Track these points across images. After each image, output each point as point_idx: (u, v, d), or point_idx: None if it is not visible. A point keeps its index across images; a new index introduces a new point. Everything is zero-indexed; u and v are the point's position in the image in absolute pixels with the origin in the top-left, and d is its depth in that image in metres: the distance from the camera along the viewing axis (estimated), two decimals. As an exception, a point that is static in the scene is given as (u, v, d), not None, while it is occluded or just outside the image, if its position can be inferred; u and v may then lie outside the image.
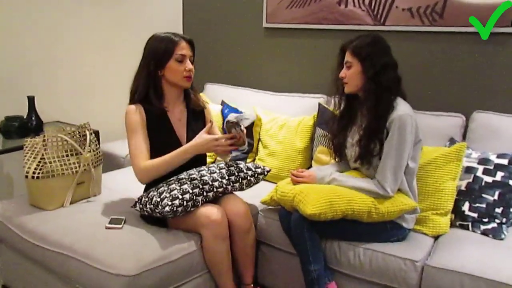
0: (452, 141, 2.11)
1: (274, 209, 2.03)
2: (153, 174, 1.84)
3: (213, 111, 2.57)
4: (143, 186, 1.94)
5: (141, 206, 1.82)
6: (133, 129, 1.87)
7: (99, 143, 2.52)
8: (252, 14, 2.96)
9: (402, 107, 1.79)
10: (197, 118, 2.04)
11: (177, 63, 1.85)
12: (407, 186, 1.86)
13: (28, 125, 2.36)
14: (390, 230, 1.82)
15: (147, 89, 1.87)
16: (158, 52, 1.85)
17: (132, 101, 1.91)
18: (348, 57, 1.85)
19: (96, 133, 2.46)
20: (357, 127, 1.93)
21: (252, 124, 2.55)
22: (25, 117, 2.38)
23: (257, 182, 2.01)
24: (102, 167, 2.14)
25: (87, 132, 1.99)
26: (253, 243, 1.92)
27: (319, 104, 2.44)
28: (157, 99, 1.89)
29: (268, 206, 2.06)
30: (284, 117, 2.56)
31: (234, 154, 2.28)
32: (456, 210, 1.95)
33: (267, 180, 2.46)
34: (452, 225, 1.94)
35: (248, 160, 2.55)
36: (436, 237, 1.90)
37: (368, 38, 1.84)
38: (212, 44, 3.19)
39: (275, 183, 2.40)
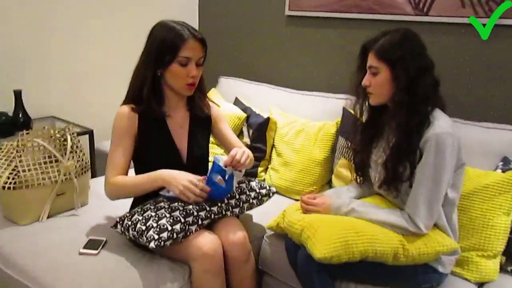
0: (506, 162, 1.71)
1: (282, 235, 1.71)
2: (120, 193, 1.60)
3: (224, 110, 2.26)
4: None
5: (122, 229, 1.54)
6: (116, 136, 1.60)
7: (93, 145, 2.28)
8: (273, 0, 2.60)
9: (441, 122, 1.43)
10: (202, 124, 1.74)
11: (180, 66, 1.54)
12: (445, 220, 1.50)
13: (14, 122, 2.12)
14: (422, 274, 1.47)
15: (145, 89, 1.57)
16: (162, 46, 1.53)
17: (126, 100, 1.63)
18: (372, 60, 1.48)
19: (90, 133, 2.22)
20: (384, 143, 1.57)
21: (266, 126, 2.22)
22: (11, 113, 2.14)
23: (260, 205, 1.71)
24: (90, 173, 1.89)
25: (68, 137, 1.72)
26: (251, 274, 1.62)
27: (344, 109, 2.07)
28: (155, 102, 1.60)
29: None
30: (303, 121, 2.21)
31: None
32: (508, 252, 1.57)
33: (278, 193, 2.14)
34: (502, 270, 1.58)
35: (260, 169, 2.23)
36: (480, 285, 1.55)
37: (397, 35, 1.46)
38: (228, 32, 2.86)
39: (288, 198, 2.10)
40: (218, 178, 1.50)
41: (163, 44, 1.53)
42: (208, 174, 1.51)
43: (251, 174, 2.18)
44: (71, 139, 1.72)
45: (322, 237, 1.40)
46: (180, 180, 1.48)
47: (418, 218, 1.43)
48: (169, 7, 2.83)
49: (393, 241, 1.42)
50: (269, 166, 2.25)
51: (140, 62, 1.60)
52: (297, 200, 2.10)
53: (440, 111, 1.49)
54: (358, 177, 1.70)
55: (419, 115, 1.43)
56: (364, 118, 1.65)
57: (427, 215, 1.43)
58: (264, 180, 2.24)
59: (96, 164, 2.32)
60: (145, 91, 1.57)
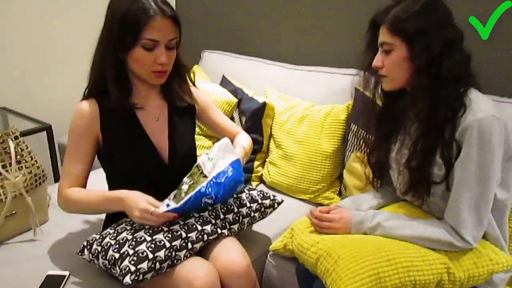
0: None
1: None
2: (73, 209, 1.34)
3: (210, 94, 1.89)
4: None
5: (91, 256, 1.24)
6: (73, 139, 1.31)
7: (53, 143, 1.89)
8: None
9: (481, 105, 1.13)
10: (184, 115, 1.42)
11: (144, 51, 1.21)
12: (497, 228, 1.22)
13: None
14: (467, 301, 1.19)
15: (107, 78, 1.25)
16: (122, 23, 1.19)
17: (87, 94, 1.32)
18: (385, 36, 1.18)
19: (48, 128, 1.83)
20: (406, 137, 1.27)
21: (262, 113, 1.86)
22: None
23: (263, 218, 1.41)
24: (46, 183, 1.53)
25: (11, 144, 1.34)
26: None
27: (356, 90, 1.71)
28: (120, 92, 1.27)
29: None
30: (306, 104, 1.85)
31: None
32: None
33: (281, 192, 1.81)
34: None
35: (256, 163, 1.88)
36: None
37: (415, 2, 1.16)
38: (212, -4, 2.41)
39: (291, 197, 1.78)
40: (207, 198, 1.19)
41: (124, 20, 1.19)
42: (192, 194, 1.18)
43: (245, 169, 1.84)
44: (15, 147, 1.34)
45: (346, 271, 1.09)
46: (136, 204, 1.18)
47: (464, 230, 1.14)
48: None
49: (436, 266, 1.14)
50: (267, 160, 1.91)
51: (99, 44, 1.26)
52: (302, 200, 1.78)
53: (476, 91, 1.19)
54: (375, 181, 1.40)
55: (447, 101, 1.13)
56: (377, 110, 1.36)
57: (475, 224, 1.15)
58: (261, 175, 1.91)
59: (63, 162, 1.95)
60: (108, 82, 1.25)
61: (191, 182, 1.23)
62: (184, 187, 1.23)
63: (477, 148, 1.10)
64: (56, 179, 1.91)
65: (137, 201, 1.18)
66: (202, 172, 1.23)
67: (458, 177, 1.15)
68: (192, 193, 1.18)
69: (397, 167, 1.32)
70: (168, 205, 1.18)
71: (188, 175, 1.26)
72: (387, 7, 1.20)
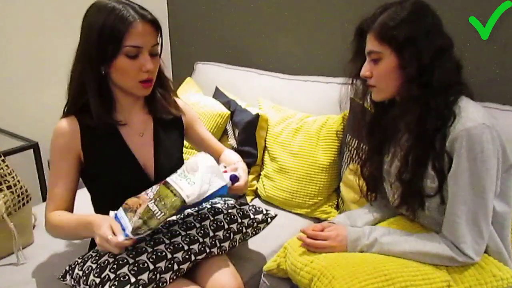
0: None
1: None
2: (59, 234, 1.26)
3: (203, 106, 1.84)
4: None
5: (73, 281, 1.17)
6: (55, 160, 1.25)
7: (40, 161, 1.83)
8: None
9: (471, 114, 1.08)
10: (170, 128, 1.36)
11: (128, 59, 1.16)
12: (499, 241, 1.15)
13: None
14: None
15: (89, 94, 1.20)
16: (101, 35, 1.14)
17: (67, 111, 1.26)
18: (372, 44, 1.14)
19: (35, 146, 1.77)
20: (397, 148, 1.23)
21: (255, 125, 1.80)
22: None
23: (256, 234, 1.35)
24: (30, 204, 1.47)
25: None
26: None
27: (352, 100, 1.65)
28: (102, 109, 1.21)
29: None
30: (300, 115, 1.79)
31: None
32: None
33: (277, 206, 1.75)
34: None
35: (251, 177, 1.82)
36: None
37: (402, 8, 1.12)
38: (203, 7, 2.37)
39: (288, 211, 1.72)
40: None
41: (102, 32, 1.13)
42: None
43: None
44: (-5, 168, 1.28)
45: (341, 290, 1.02)
46: (98, 229, 1.08)
47: (464, 244, 1.09)
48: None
49: (437, 285, 1.08)
50: (261, 173, 1.84)
51: (77, 59, 1.21)
52: (299, 214, 1.72)
53: (467, 99, 1.14)
54: (369, 195, 1.34)
55: (437, 110, 1.09)
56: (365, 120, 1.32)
57: (476, 237, 1.09)
58: (256, 189, 1.84)
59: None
60: (90, 98, 1.19)
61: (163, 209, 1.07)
62: (157, 213, 1.06)
63: (468, 159, 1.05)
64: (44, 198, 1.85)
65: (99, 226, 1.08)
66: (176, 195, 1.07)
67: (452, 190, 1.10)
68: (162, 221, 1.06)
69: (389, 179, 1.27)
70: (126, 235, 1.05)
71: (157, 196, 1.10)
72: (374, 14, 1.15)
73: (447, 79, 1.10)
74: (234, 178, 1.16)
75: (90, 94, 1.19)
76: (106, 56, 1.15)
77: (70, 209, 1.26)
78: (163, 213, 1.05)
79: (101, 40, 1.14)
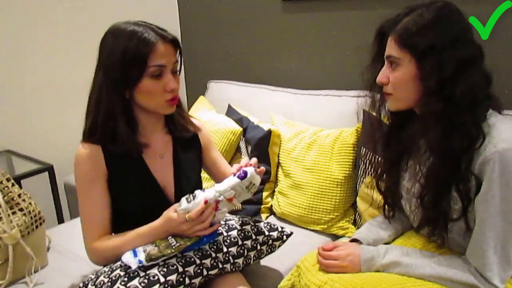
0: None
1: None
2: (109, 256, 1.20)
3: (215, 124, 1.83)
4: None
5: None
6: (83, 187, 1.22)
7: (55, 183, 1.84)
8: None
9: (503, 133, 0.99)
10: (187, 148, 1.35)
11: (153, 80, 1.15)
12: None
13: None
14: None
15: (118, 121, 1.18)
16: (123, 60, 1.13)
17: (86, 138, 1.23)
18: (392, 49, 1.05)
19: (50, 169, 1.79)
20: (416, 163, 1.13)
21: (268, 141, 1.78)
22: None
23: (271, 252, 1.31)
24: (44, 226, 1.46)
25: None
26: None
27: (365, 112, 1.62)
28: (127, 136, 1.19)
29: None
30: (313, 130, 1.76)
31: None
32: None
33: (292, 223, 1.71)
34: None
35: (265, 194, 1.79)
36: None
37: (429, 11, 1.02)
38: (215, 27, 2.40)
39: (304, 228, 1.68)
40: None
41: (125, 56, 1.12)
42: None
43: (252, 201, 1.75)
44: (3, 197, 1.28)
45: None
46: (177, 225, 1.12)
47: (490, 272, 1.00)
48: (142, 6, 2.38)
49: None
50: (275, 190, 1.81)
51: (98, 86, 1.18)
52: (315, 231, 1.67)
53: (496, 114, 1.05)
54: (387, 210, 1.27)
55: (462, 128, 0.99)
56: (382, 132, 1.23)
57: (503, 264, 1.00)
58: (271, 206, 1.81)
59: (69, 202, 1.91)
60: (118, 124, 1.17)
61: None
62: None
63: (501, 184, 0.96)
64: (60, 220, 1.86)
65: (170, 216, 1.12)
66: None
67: (480, 216, 1.00)
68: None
69: (408, 197, 1.19)
70: (140, 261, 1.10)
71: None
72: (398, 15, 1.07)
73: (473, 93, 0.99)
74: (244, 173, 1.13)
75: (118, 120, 1.17)
76: (131, 79, 1.14)
77: (111, 232, 1.24)
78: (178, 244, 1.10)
79: (125, 64, 1.12)
